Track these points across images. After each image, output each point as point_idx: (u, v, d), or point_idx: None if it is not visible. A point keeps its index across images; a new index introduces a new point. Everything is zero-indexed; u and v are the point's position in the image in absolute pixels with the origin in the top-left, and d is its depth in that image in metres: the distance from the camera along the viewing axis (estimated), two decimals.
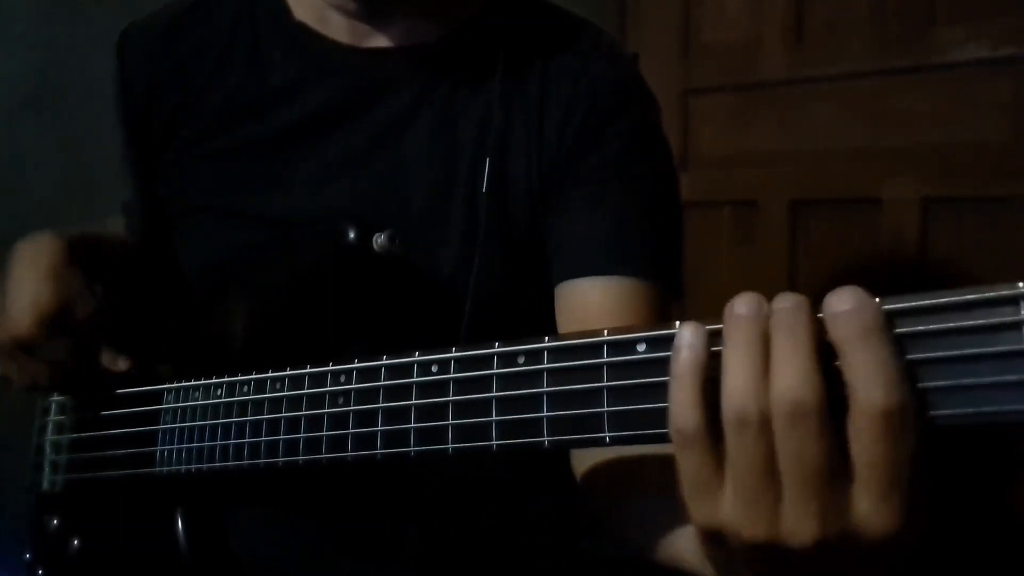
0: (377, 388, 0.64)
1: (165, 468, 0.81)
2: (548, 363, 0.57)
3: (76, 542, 0.90)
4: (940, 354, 0.42)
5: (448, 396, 0.60)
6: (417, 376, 0.62)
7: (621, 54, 0.87)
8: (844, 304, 0.42)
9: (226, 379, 0.76)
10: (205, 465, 0.77)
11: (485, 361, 0.59)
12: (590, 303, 0.79)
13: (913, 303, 0.42)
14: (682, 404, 0.45)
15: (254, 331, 0.81)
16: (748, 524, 0.44)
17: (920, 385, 0.42)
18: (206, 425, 0.77)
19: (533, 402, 0.57)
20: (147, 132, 0.90)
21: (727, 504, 0.45)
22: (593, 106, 0.82)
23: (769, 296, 0.47)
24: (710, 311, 0.49)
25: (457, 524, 0.89)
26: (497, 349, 0.59)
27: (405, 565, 0.89)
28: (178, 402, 0.80)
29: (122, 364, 0.86)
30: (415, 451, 0.62)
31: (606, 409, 0.54)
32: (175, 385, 0.81)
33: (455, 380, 0.60)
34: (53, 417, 0.95)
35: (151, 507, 0.84)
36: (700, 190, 1.86)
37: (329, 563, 0.90)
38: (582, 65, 0.83)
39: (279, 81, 0.85)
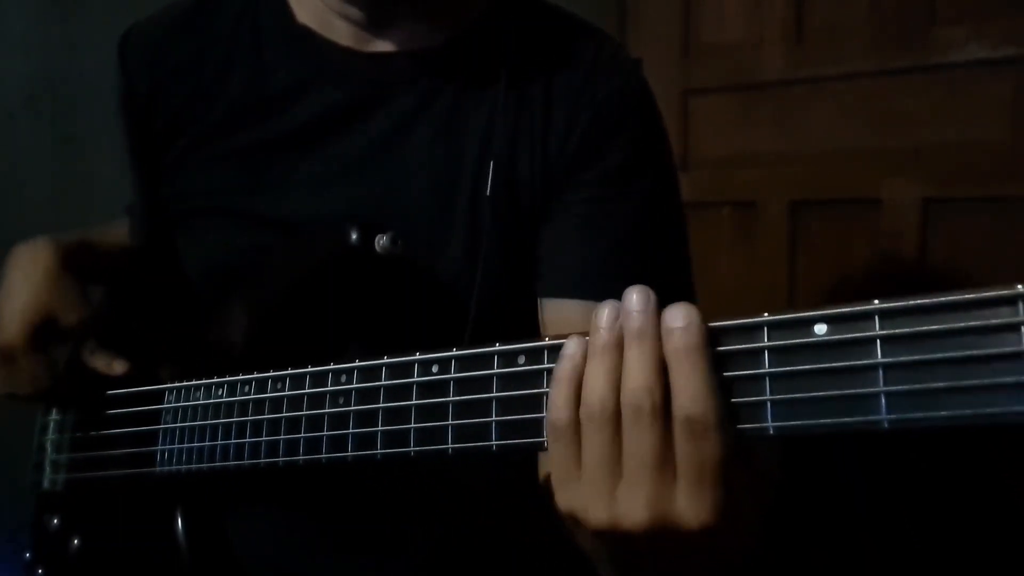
0: (378, 388, 0.65)
1: (166, 468, 0.81)
2: (548, 363, 0.57)
3: (76, 542, 0.90)
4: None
5: (449, 396, 0.60)
6: (418, 376, 0.62)
7: (625, 61, 0.87)
8: (677, 321, 0.49)
9: (227, 379, 0.76)
10: (206, 465, 0.77)
11: (486, 361, 0.59)
12: (574, 323, 0.79)
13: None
14: (557, 402, 0.52)
15: (256, 332, 0.81)
16: (592, 507, 0.51)
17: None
18: (207, 425, 0.77)
19: (534, 402, 0.57)
20: (149, 133, 0.89)
21: (580, 490, 0.52)
22: (597, 117, 0.81)
23: (769, 297, 0.49)
24: (710, 311, 0.51)
25: (458, 524, 0.89)
26: (498, 348, 0.59)
27: (406, 565, 0.89)
28: (179, 402, 0.80)
29: (118, 368, 0.87)
30: (415, 451, 0.62)
31: None
32: (176, 385, 0.81)
33: (456, 380, 0.60)
34: (54, 416, 0.96)
35: (151, 507, 0.84)
36: (700, 190, 1.86)
37: (329, 563, 0.90)
38: (586, 73, 0.82)
39: (282, 84, 0.85)
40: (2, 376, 0.86)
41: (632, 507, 0.50)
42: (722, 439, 0.48)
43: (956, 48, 1.60)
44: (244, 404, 0.74)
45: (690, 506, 0.49)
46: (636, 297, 0.51)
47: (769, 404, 0.47)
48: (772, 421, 0.47)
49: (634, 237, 0.81)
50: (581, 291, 0.80)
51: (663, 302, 0.53)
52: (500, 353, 0.59)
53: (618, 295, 0.74)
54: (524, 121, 0.82)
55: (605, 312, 0.52)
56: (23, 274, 0.85)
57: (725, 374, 0.49)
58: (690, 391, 0.48)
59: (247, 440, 0.73)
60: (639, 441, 0.49)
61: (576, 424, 0.52)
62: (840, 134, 1.73)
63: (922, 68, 1.64)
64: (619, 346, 0.51)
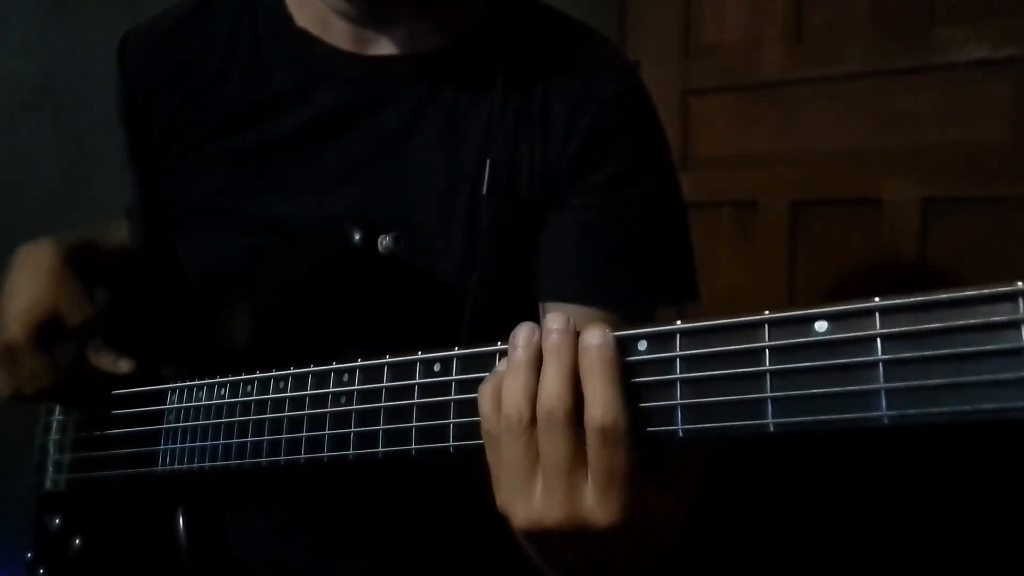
0: (380, 388, 0.65)
1: (168, 468, 0.81)
2: None
3: (77, 542, 0.90)
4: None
5: (450, 395, 0.60)
6: (420, 375, 0.62)
7: (623, 66, 0.87)
8: (595, 339, 0.52)
9: (230, 379, 0.76)
10: (208, 464, 0.77)
11: (488, 360, 0.59)
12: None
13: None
14: (484, 413, 0.56)
15: (258, 332, 0.81)
16: (515, 507, 0.55)
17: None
18: (209, 424, 0.77)
19: None
20: (148, 136, 0.90)
21: (505, 492, 0.56)
22: (595, 123, 0.81)
23: (769, 297, 0.49)
24: (710, 311, 0.52)
25: (457, 525, 0.89)
26: (500, 347, 0.59)
27: (407, 565, 0.89)
28: (182, 402, 0.81)
29: (124, 366, 0.87)
30: (416, 449, 0.62)
31: None
32: (179, 384, 0.81)
33: (458, 380, 0.60)
34: (57, 416, 0.96)
35: (153, 507, 0.84)
36: (700, 190, 1.86)
37: (329, 563, 0.90)
38: (584, 77, 0.83)
39: (281, 87, 0.85)
40: (5, 376, 0.86)
41: (547, 507, 0.53)
42: (631, 446, 0.51)
43: (956, 48, 1.60)
44: (246, 404, 0.74)
45: (599, 507, 0.52)
46: (555, 318, 0.55)
47: (769, 402, 0.47)
48: (772, 418, 0.47)
49: (635, 242, 0.82)
50: (582, 297, 0.80)
51: (668, 301, 0.54)
52: (502, 352, 0.59)
53: (618, 300, 0.75)
54: (523, 124, 0.82)
55: (522, 331, 0.56)
56: (27, 273, 0.85)
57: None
58: (603, 402, 0.51)
59: (249, 439, 0.73)
60: (552, 446, 0.53)
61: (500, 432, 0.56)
62: (840, 134, 1.73)
63: (922, 68, 1.64)
64: (532, 362, 0.54)
